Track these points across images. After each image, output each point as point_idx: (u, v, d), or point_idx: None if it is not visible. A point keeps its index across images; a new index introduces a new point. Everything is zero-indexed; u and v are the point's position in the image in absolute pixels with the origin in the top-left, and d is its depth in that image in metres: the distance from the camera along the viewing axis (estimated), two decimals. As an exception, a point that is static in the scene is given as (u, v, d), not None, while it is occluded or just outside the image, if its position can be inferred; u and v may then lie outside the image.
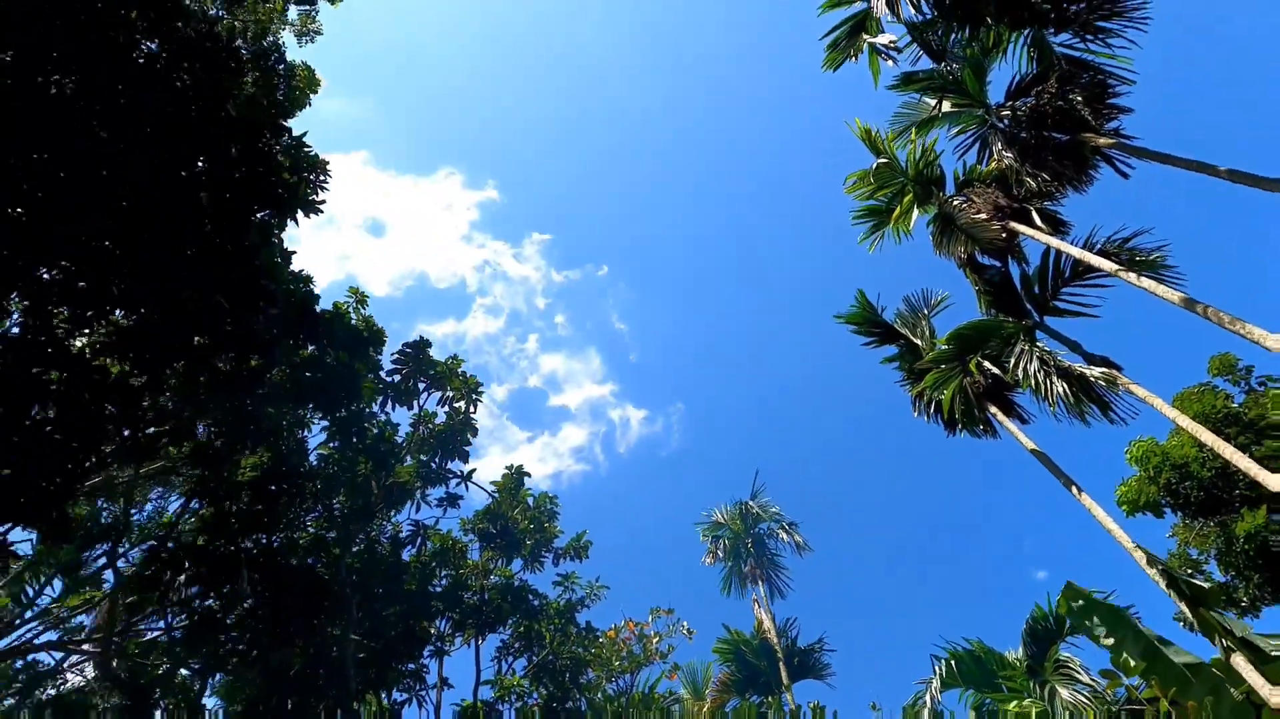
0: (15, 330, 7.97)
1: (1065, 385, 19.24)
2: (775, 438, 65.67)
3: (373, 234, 65.77)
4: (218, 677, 11.46)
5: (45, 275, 8.52)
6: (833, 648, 29.75)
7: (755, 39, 59.94)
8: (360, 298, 14.16)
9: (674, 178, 64.63)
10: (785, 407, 66.00)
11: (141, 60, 8.72)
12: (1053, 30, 17.06)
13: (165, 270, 8.93)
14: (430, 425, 15.73)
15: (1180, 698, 14.17)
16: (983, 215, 20.24)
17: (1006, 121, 19.75)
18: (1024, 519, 59.58)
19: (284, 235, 11.58)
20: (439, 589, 16.07)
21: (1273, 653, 12.69)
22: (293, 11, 12.76)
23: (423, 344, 15.03)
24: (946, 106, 21.01)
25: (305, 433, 13.42)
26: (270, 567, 11.50)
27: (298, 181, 10.73)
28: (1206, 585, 15.65)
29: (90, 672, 10.74)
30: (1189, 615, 15.16)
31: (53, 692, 10.78)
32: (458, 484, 16.12)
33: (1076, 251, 18.07)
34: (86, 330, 8.78)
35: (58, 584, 12.26)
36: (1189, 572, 20.90)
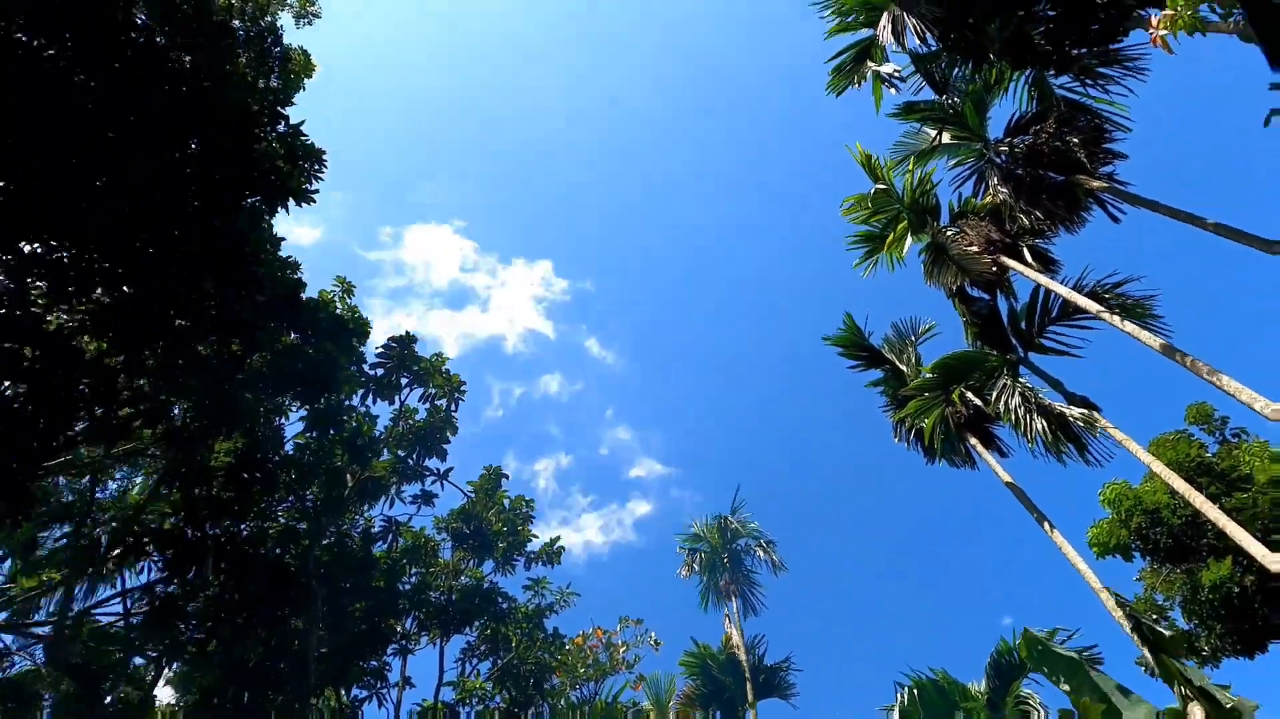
0: (-10, 303, 7.83)
1: (1045, 423, 19.40)
2: (757, 455, 65.80)
3: (454, 300, 65.57)
4: (174, 666, 11.26)
5: (25, 248, 8.39)
6: (799, 668, 29.75)
7: (760, 60, 60.21)
8: (347, 287, 14.04)
9: (671, 193, 64.74)
10: (769, 425, 66.14)
11: (137, 37, 8.61)
12: (1054, 72, 17.23)
13: (150, 249, 8.81)
14: (410, 421, 15.61)
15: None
16: (975, 248, 20.40)
17: (1004, 157, 19.92)
18: (996, 553, 59.92)
19: (273, 221, 11.48)
20: (408, 587, 15.91)
21: (1228, 704, 12.78)
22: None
23: (408, 339, 14.92)
24: (946, 138, 21.18)
25: (283, 421, 13.27)
26: (237, 555, 11.34)
27: (291, 170, 10.63)
28: (1169, 633, 15.77)
29: (41, 657, 10.51)
30: (1150, 661, 15.28)
31: (0, 674, 10.54)
32: (434, 482, 16.01)
33: (1065, 291, 18.23)
34: (64, 307, 8.65)
35: (7, 564, 12.06)
36: (1154, 617, 21.08)
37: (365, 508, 15.73)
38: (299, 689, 11.75)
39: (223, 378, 10.64)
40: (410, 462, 15.53)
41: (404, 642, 15.69)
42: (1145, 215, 16.86)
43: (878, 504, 62.38)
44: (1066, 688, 15.69)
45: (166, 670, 10.91)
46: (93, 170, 8.41)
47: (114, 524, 10.52)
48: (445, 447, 15.69)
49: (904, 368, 25.21)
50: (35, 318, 8.20)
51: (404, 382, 15.09)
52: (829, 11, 20.99)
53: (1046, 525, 18.94)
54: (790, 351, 63.43)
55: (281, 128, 11.01)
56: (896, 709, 22.16)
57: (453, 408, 15.60)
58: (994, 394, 20.83)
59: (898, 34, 19.35)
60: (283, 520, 13.68)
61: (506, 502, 18.15)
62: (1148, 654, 15.03)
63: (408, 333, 14.88)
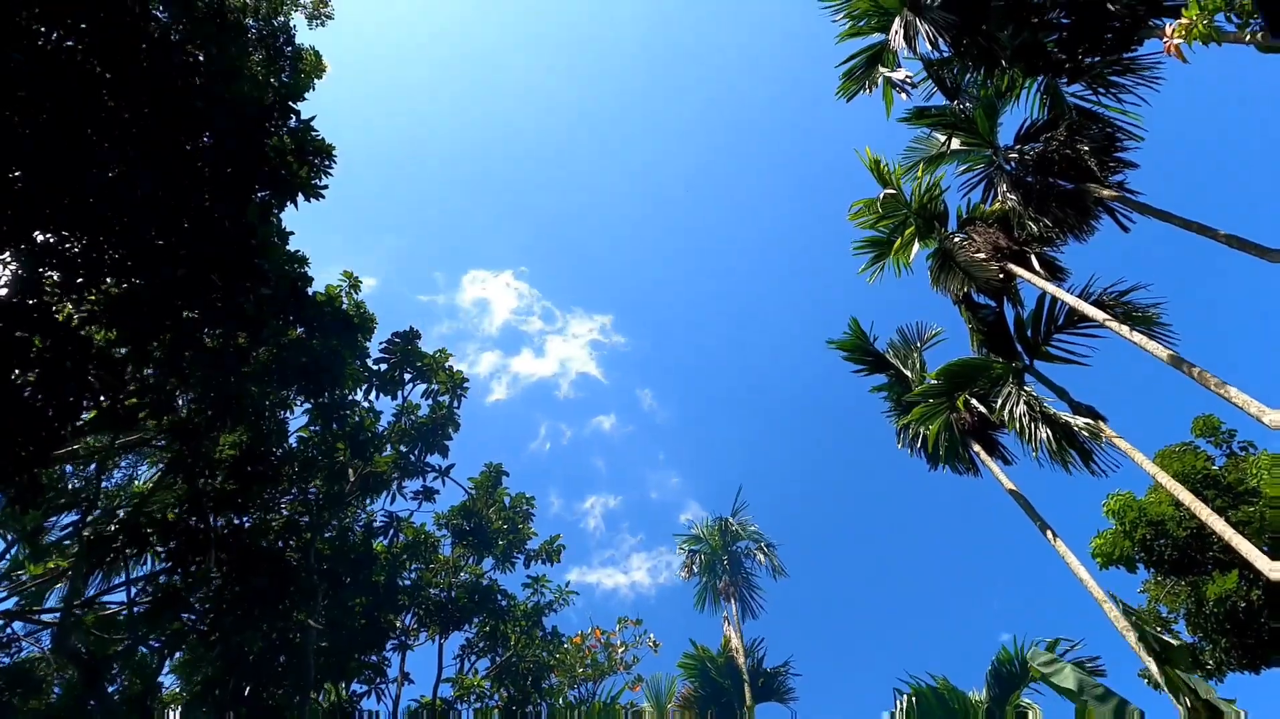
0: (3, 292, 7.88)
1: (1049, 431, 19.35)
2: (760, 459, 65.76)
3: (507, 344, 66.04)
4: (176, 655, 11.30)
5: (39, 238, 8.44)
6: (798, 672, 29.74)
7: (770, 61, 60.17)
8: (354, 282, 14.07)
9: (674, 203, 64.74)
10: (774, 428, 66.12)
11: (152, 30, 8.66)
12: (1066, 80, 17.20)
13: (161, 241, 8.86)
14: (413, 417, 15.63)
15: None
16: (982, 255, 20.35)
17: (1013, 164, 19.88)
18: (998, 561, 59.78)
19: (281, 216, 11.52)
20: (407, 582, 15.95)
21: (1231, 718, 12.74)
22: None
23: (412, 334, 14.94)
24: (956, 144, 21.16)
25: (287, 414, 13.30)
26: (240, 547, 11.37)
27: (301, 165, 10.67)
28: (1175, 644, 15.72)
29: (47, 643, 10.57)
30: (1155, 672, 15.22)
31: (7, 659, 10.62)
32: (435, 478, 16.01)
33: (1072, 299, 18.18)
34: (74, 297, 8.70)
35: (14, 551, 12.12)
36: (1156, 629, 20.98)
37: (367, 503, 15.77)
38: (299, 682, 11.79)
39: (228, 370, 10.68)
40: (412, 458, 15.56)
41: (403, 637, 15.72)
42: (1156, 225, 16.80)
43: (879, 510, 62.31)
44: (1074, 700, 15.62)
45: (169, 660, 10.96)
46: (105, 161, 8.46)
47: (119, 514, 10.57)
48: (447, 443, 15.71)
49: (908, 374, 25.18)
50: (46, 307, 8.25)
51: (407, 377, 15.12)
52: (840, 15, 20.97)
53: (1049, 534, 18.91)
54: (794, 356, 63.41)
55: (292, 123, 11.06)
56: (899, 715, 22.13)
57: (455, 405, 15.62)
58: (999, 402, 20.78)
59: (909, 39, 19.33)
60: (285, 513, 13.72)
61: (507, 499, 18.16)
62: (1153, 665, 14.98)
63: (411, 328, 14.92)
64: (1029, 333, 21.36)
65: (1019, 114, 19.58)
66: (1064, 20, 16.54)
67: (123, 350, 9.56)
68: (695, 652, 28.51)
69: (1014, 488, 21.22)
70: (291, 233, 12.07)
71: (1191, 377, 13.75)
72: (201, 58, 8.99)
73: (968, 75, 18.47)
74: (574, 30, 60.35)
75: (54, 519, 12.02)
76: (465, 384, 16.04)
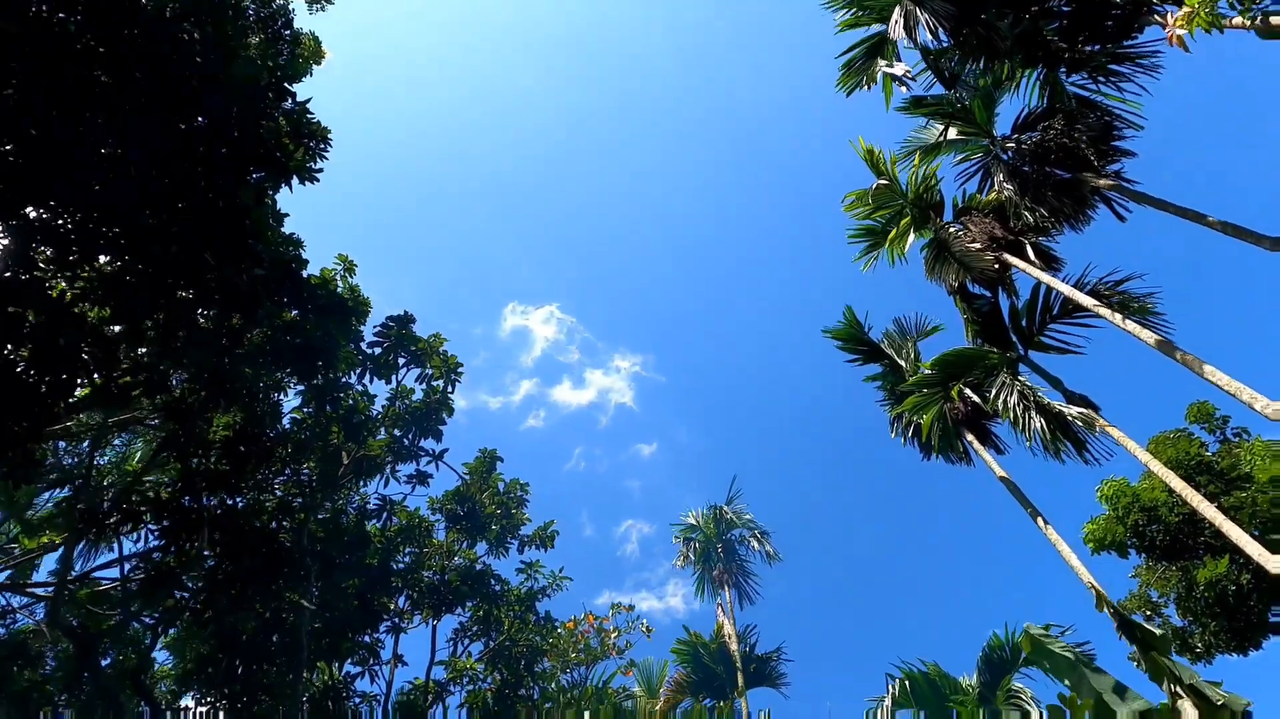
0: (-6, 266, 7.88)
1: (1043, 421, 19.42)
2: (755, 445, 65.96)
3: (549, 374, 66.15)
4: (170, 631, 11.35)
5: (32, 214, 8.42)
6: (790, 658, 29.98)
7: (768, 49, 59.96)
8: (349, 265, 14.05)
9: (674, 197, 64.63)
10: (768, 417, 66.28)
11: (148, 4, 8.61)
12: (1065, 69, 17.16)
13: (156, 220, 8.83)
14: (407, 401, 15.64)
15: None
16: (977, 245, 20.38)
17: (1010, 154, 19.88)
18: (990, 549, 60.16)
19: (276, 197, 11.50)
20: (401, 566, 16.01)
21: (1219, 701, 12.85)
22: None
23: (406, 318, 14.93)
24: (953, 134, 21.14)
25: (280, 396, 13.30)
26: (233, 527, 11.40)
27: (297, 147, 10.65)
28: (1158, 632, 15.85)
29: (41, 616, 10.63)
30: (1141, 659, 15.37)
31: (3, 630, 10.69)
32: (429, 462, 16.04)
33: (1066, 289, 18.22)
34: (68, 274, 8.69)
35: (8, 525, 12.15)
36: (1146, 613, 21.14)
37: (361, 486, 15.80)
38: (292, 662, 11.85)
39: (222, 351, 10.69)
40: (406, 441, 15.59)
41: (396, 619, 15.79)
42: (1153, 215, 16.83)
43: (874, 500, 62.59)
44: (1067, 682, 15.79)
45: (163, 636, 11.01)
46: (99, 138, 8.44)
47: (112, 491, 10.58)
48: (441, 428, 15.74)
49: (903, 363, 25.24)
50: (39, 283, 8.24)
51: (401, 361, 15.12)
52: (840, 7, 20.90)
53: (1041, 521, 19.01)
54: (788, 340, 63.49)
55: (288, 105, 11.02)
56: (888, 700, 22.36)
57: (450, 389, 15.64)
58: (993, 391, 20.84)
59: (909, 29, 19.29)
60: (279, 494, 13.76)
61: (501, 485, 18.21)
62: (1137, 652, 15.12)
63: (406, 312, 14.91)
64: (1023, 322, 21.40)
65: (1017, 103, 19.59)
66: (1064, 8, 16.50)
67: (116, 329, 9.55)
68: (688, 637, 28.72)
69: (1006, 476, 21.30)
70: (286, 215, 12.07)
71: (1184, 364, 13.82)
72: (197, 36, 8.95)
73: (967, 65, 18.44)
74: (581, 38, 60.11)
75: (47, 495, 12.05)
76: (459, 369, 16.04)
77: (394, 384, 15.68)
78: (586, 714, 19.08)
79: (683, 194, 64.22)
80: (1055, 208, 19.14)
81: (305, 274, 12.78)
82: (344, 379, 14.42)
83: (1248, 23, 10.34)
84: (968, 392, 22.52)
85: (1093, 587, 17.27)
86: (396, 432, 15.97)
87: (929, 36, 19.24)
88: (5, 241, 8.01)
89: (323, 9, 13.49)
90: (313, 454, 14.22)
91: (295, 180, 11.27)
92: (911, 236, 23.22)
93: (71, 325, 8.15)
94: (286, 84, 10.94)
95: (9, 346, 8.03)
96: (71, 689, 9.54)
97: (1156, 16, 13.54)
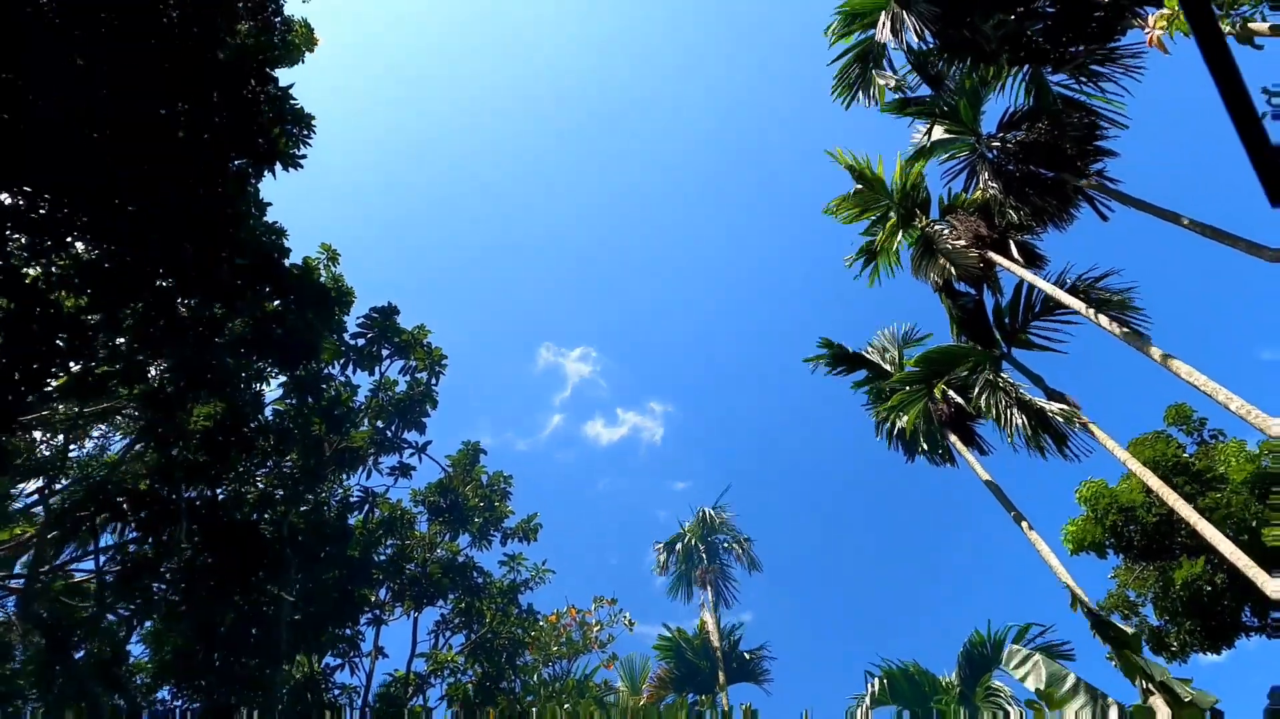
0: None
1: (1025, 418, 19.57)
2: (740, 452, 66.21)
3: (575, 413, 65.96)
4: (146, 624, 11.23)
5: (6, 200, 8.28)
6: (773, 656, 30.21)
7: (756, 53, 59.99)
8: (332, 255, 13.93)
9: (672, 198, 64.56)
10: (756, 424, 66.53)
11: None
12: (1050, 69, 17.27)
13: (134, 207, 8.71)
14: (390, 393, 15.55)
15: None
16: (963, 242, 20.49)
17: (995, 153, 19.99)
18: (973, 549, 60.69)
19: (259, 185, 11.38)
20: (383, 558, 15.93)
21: (1187, 698, 13.04)
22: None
23: (390, 310, 14.84)
24: (939, 133, 21.22)
25: (262, 386, 13.18)
26: (212, 519, 11.30)
27: (280, 134, 10.52)
28: (1130, 631, 16.04)
29: (13, 608, 10.47)
30: (1115, 657, 15.56)
31: (-28, 624, 10.52)
32: (412, 455, 15.96)
33: (1048, 287, 18.35)
34: (42, 260, 8.55)
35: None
36: (1124, 613, 21.35)
37: (343, 478, 15.69)
38: (271, 654, 11.77)
39: (203, 341, 10.57)
40: (389, 433, 15.50)
41: (378, 611, 15.72)
42: (1136, 216, 16.96)
43: (858, 503, 62.96)
44: (1037, 685, 15.96)
45: (138, 629, 10.89)
46: (76, 122, 8.30)
47: (89, 482, 10.44)
48: (424, 420, 15.66)
49: (888, 367, 25.37)
50: (13, 270, 8.11)
51: (385, 353, 15.03)
52: (830, 27, 21.03)
53: (1023, 524, 19.16)
54: (772, 344, 63.68)
55: (271, 89, 10.88)
56: (868, 697, 22.51)
57: (434, 381, 15.57)
58: (976, 389, 20.97)
59: (896, 31, 19.40)
60: (260, 486, 13.64)
61: (484, 477, 18.15)
62: (1111, 650, 15.30)
63: (390, 304, 14.82)
64: (1007, 320, 21.55)
65: (1003, 103, 19.67)
66: (1049, 9, 16.60)
67: (94, 318, 9.43)
68: (671, 633, 28.81)
69: (989, 478, 21.46)
70: (269, 204, 11.94)
71: (1159, 362, 13.95)
72: (177, 16, 8.81)
73: (953, 66, 18.51)
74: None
75: (21, 486, 11.89)
76: (444, 361, 15.98)
77: (377, 376, 15.60)
78: (568, 707, 19.09)
79: (665, 196, 64.23)
80: (1039, 206, 19.26)
81: (288, 263, 12.67)
82: (326, 370, 14.32)
83: (1228, 28, 10.42)
84: (951, 393, 22.67)
85: (1069, 586, 17.45)
86: (379, 423, 15.88)
87: (915, 39, 19.32)
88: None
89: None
90: (295, 446, 14.11)
91: (283, 170, 11.17)
92: (899, 236, 23.32)
93: (45, 312, 8.03)
94: (269, 69, 10.81)
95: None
96: (43, 683, 9.42)
97: (1138, 19, 13.63)
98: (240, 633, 11.46)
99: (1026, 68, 17.43)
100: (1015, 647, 18.03)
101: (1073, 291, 19.46)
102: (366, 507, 16.09)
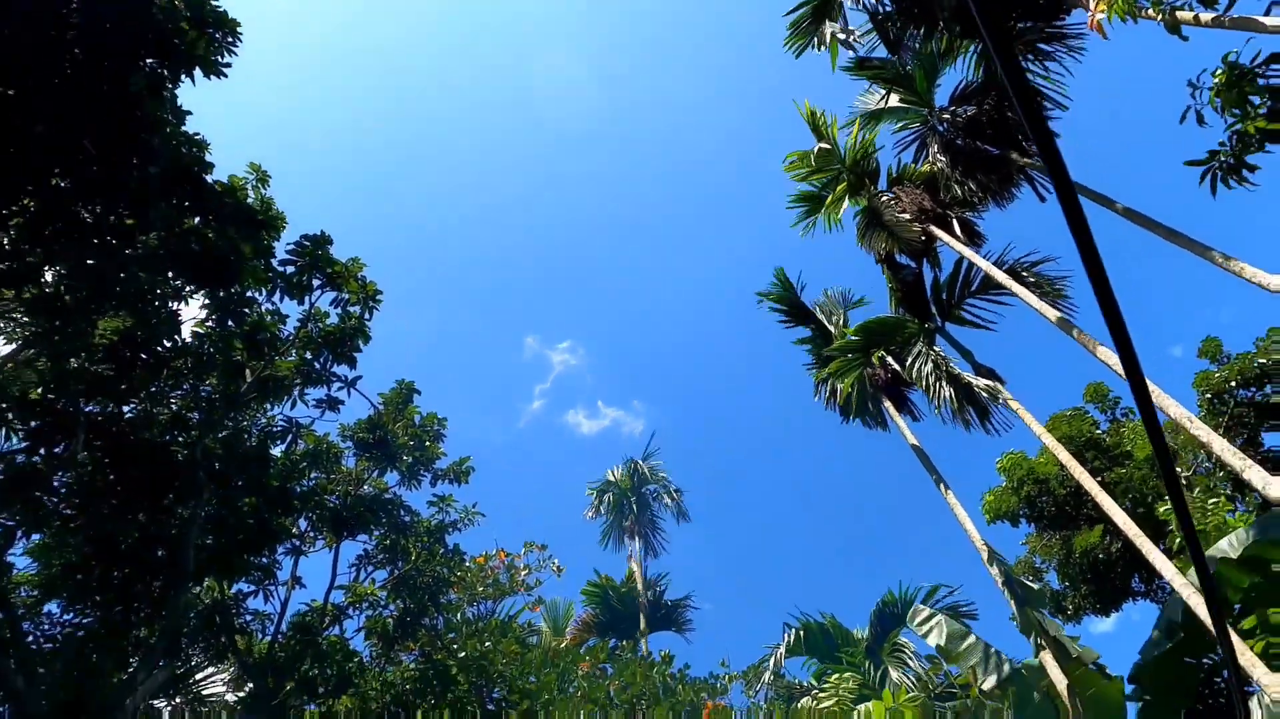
0: None
1: (953, 390, 20.10)
2: (673, 405, 66.85)
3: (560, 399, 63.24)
4: (34, 537, 10.94)
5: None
6: (696, 605, 31.09)
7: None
8: (262, 176, 13.42)
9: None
10: (689, 377, 67.10)
11: None
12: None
13: (13, 90, 8.21)
14: (320, 324, 15.19)
15: (992, 691, 15.34)
16: (907, 215, 20.72)
17: (946, 126, 20.13)
18: (898, 511, 62.81)
19: (178, 92, 10.86)
20: (305, 489, 15.74)
21: (1074, 654, 13.85)
22: None
23: (323, 239, 14.41)
24: (894, 100, 21.27)
25: (180, 306, 12.74)
26: (117, 435, 11.01)
27: (198, 36, 10.04)
28: (1035, 587, 16.87)
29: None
30: (1016, 613, 16.35)
31: None
32: (341, 389, 15.64)
33: (986, 265, 18.70)
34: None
35: None
36: (1030, 578, 22.41)
37: (266, 407, 15.36)
38: (178, 576, 11.61)
39: (109, 250, 10.16)
40: (317, 365, 15.19)
41: (297, 542, 15.59)
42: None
43: (789, 460, 64.30)
44: (938, 641, 16.71)
45: (23, 540, 10.61)
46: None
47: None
48: (356, 354, 15.36)
49: (831, 329, 25.72)
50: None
51: (316, 283, 14.64)
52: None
53: (943, 487, 19.76)
54: (711, 299, 64.01)
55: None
56: (783, 647, 23.29)
57: (367, 316, 15.24)
58: (910, 359, 21.42)
59: (853, -8, 19.28)
60: (175, 408, 13.31)
61: (417, 418, 18.00)
62: (1014, 605, 16.04)
63: (323, 232, 14.39)
64: (944, 295, 21.96)
65: (957, 76, 19.77)
66: (1003, -20, 16.61)
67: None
68: (599, 580, 29.35)
69: (916, 443, 22.01)
70: (189, 112, 11.40)
71: (1078, 341, 14.38)
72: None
73: (908, 31, 18.50)
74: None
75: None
76: (378, 296, 15.62)
77: (307, 306, 15.19)
78: (489, 644, 19.34)
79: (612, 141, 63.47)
80: (983, 183, 19.52)
81: (211, 180, 12.21)
82: (252, 294, 13.88)
83: (1159, 15, 10.58)
84: (889, 359, 23.13)
85: (983, 544, 18.12)
86: (308, 354, 15.52)
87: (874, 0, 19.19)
88: None
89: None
90: (216, 370, 13.75)
91: (199, 73, 10.67)
92: (846, 203, 23.45)
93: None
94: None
95: None
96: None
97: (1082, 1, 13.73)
98: (144, 553, 11.26)
99: (978, 41, 17.49)
100: (921, 606, 18.86)
101: (1010, 272, 19.89)
102: (290, 437, 15.81)
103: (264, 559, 14.53)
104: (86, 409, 10.62)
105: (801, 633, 22.48)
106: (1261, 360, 17.49)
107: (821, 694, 16.71)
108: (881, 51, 21.19)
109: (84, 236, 9.36)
